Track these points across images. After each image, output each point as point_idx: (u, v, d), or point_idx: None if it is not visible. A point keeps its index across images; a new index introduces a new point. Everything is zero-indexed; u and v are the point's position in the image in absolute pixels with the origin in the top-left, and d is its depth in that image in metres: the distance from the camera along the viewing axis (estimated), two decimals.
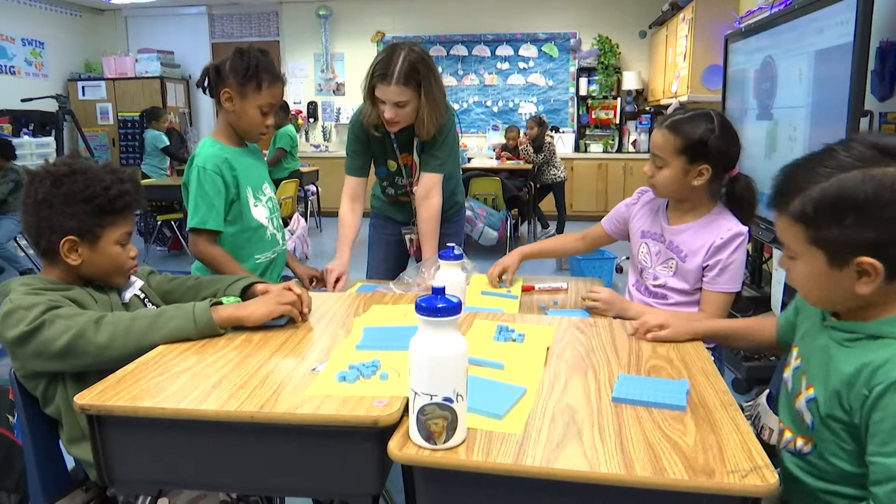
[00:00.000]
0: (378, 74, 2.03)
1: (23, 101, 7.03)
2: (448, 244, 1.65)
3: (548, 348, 1.29)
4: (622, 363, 1.23)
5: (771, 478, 0.82)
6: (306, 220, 6.81)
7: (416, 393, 0.89)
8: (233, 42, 9.15)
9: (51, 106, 7.05)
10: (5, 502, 1.77)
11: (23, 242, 5.53)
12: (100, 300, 1.37)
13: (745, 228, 1.75)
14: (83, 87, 8.60)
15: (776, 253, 3.19)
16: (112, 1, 8.34)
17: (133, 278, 1.48)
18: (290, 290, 1.41)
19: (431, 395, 0.87)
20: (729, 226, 1.75)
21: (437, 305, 0.86)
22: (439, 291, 0.87)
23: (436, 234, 2.27)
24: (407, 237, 2.45)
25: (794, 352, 1.20)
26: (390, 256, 2.50)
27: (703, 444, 0.91)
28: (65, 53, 8.57)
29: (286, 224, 6.03)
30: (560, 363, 1.22)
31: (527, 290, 1.97)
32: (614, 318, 1.78)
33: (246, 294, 1.53)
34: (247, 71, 1.80)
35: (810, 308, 1.19)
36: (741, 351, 3.39)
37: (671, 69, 7.00)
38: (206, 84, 1.86)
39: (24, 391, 1.31)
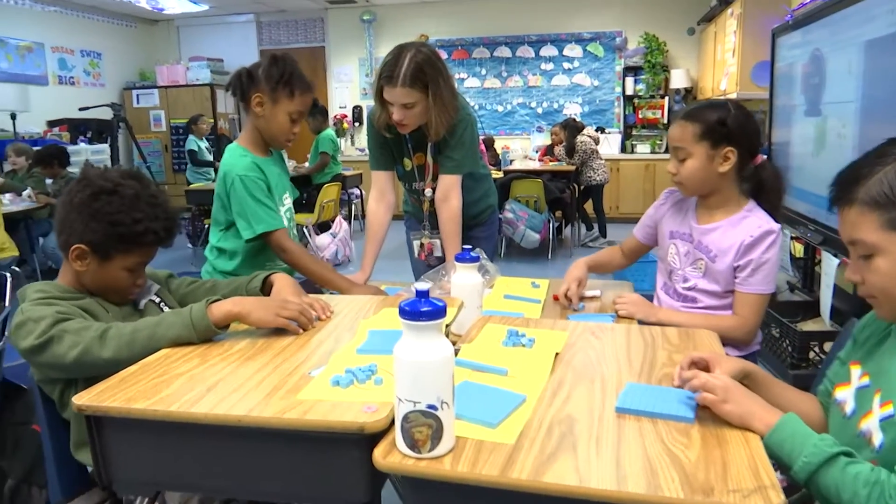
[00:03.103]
0: (385, 76, 2.01)
1: (80, 109, 7.32)
2: (466, 246, 1.62)
3: (556, 354, 1.24)
4: (634, 371, 1.17)
5: (775, 499, 0.76)
6: (349, 224, 6.87)
7: (400, 400, 0.86)
8: (280, 48, 9.32)
9: (106, 114, 7.31)
10: (37, 498, 1.82)
11: None
12: (112, 310, 1.39)
13: (777, 226, 1.67)
14: (137, 96, 8.89)
15: (825, 256, 3.04)
16: (165, 11, 8.60)
17: (149, 283, 1.49)
18: (302, 301, 1.40)
19: (415, 402, 0.84)
20: (759, 223, 1.67)
21: (421, 309, 0.83)
22: (423, 294, 0.84)
23: (457, 236, 2.23)
24: (416, 242, 2.41)
25: (856, 370, 1.11)
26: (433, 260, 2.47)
27: (707, 460, 0.85)
28: (120, 63, 8.88)
29: (329, 227, 6.09)
30: (567, 370, 1.17)
31: (557, 297, 1.91)
32: (640, 322, 1.72)
33: (265, 287, 1.54)
34: (281, 77, 1.84)
35: (868, 326, 1.12)
36: (788, 358, 3.24)
37: (720, 66, 6.79)
38: (237, 88, 1.88)
39: (44, 394, 1.35)
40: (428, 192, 2.29)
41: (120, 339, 1.21)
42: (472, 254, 1.61)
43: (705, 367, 1.09)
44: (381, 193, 2.31)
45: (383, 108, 2.11)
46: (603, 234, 6.79)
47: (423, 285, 0.84)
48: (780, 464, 0.94)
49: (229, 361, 1.17)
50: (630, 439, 0.91)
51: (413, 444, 0.85)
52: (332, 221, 6.14)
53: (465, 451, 0.87)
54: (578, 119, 7.29)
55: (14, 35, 7.28)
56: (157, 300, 1.49)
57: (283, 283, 1.50)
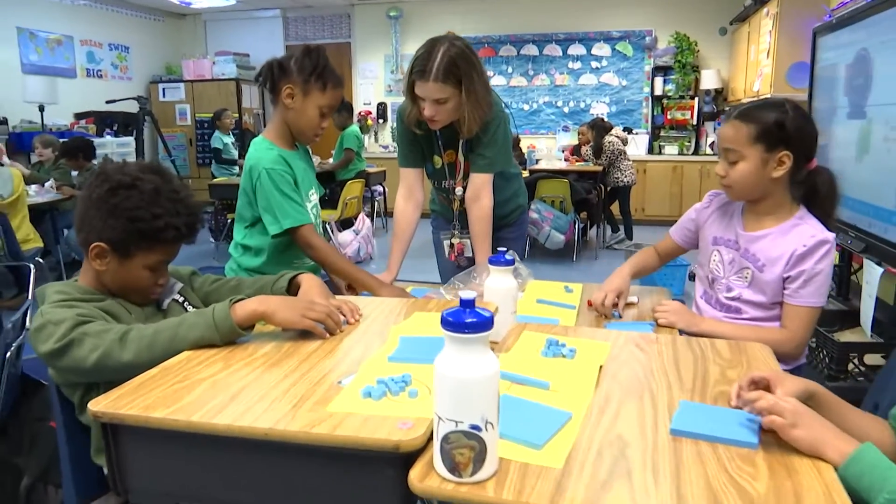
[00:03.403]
0: (417, 70, 1.94)
1: (107, 102, 7.34)
2: (500, 248, 1.54)
3: (601, 367, 1.16)
4: (685, 387, 1.09)
5: None
6: (372, 221, 6.82)
7: (440, 418, 0.78)
8: (305, 44, 9.29)
9: (133, 107, 7.33)
10: (53, 497, 1.78)
11: None
12: (134, 311, 1.34)
13: (831, 235, 1.57)
14: (164, 89, 8.92)
15: (867, 264, 2.92)
16: (192, 6, 8.61)
17: (172, 281, 1.44)
18: (329, 304, 1.33)
19: (457, 422, 0.77)
20: (813, 232, 1.57)
21: (466, 320, 0.75)
22: (468, 304, 0.77)
23: (488, 237, 2.16)
24: (445, 242, 2.34)
25: None
26: (463, 261, 2.38)
27: (777, 493, 0.77)
28: (148, 57, 8.91)
29: (351, 224, 6.05)
30: (613, 385, 1.09)
31: (592, 303, 1.83)
32: (681, 333, 1.63)
33: (291, 289, 1.48)
34: (314, 69, 1.79)
35: None
36: (825, 369, 3.12)
37: (753, 67, 6.63)
38: (268, 78, 1.83)
39: (63, 396, 1.29)
40: (458, 190, 2.21)
41: (140, 341, 1.15)
42: (507, 256, 1.53)
43: (766, 387, 1.01)
44: (409, 191, 2.24)
45: (414, 103, 2.04)
46: (629, 236, 6.66)
47: (468, 293, 0.77)
48: (855, 498, 0.85)
49: (254, 367, 1.11)
50: (690, 466, 0.83)
51: (454, 467, 0.78)
52: (355, 218, 6.09)
53: (510, 476, 0.80)
54: (606, 119, 7.15)
55: (44, 28, 7.33)
56: (181, 299, 1.43)
57: (311, 284, 1.44)
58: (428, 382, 1.01)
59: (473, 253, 2.19)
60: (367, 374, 1.05)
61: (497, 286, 1.52)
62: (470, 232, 2.18)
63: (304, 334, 1.26)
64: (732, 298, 1.70)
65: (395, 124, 2.27)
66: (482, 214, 2.13)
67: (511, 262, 1.52)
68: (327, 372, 1.08)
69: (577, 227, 5.97)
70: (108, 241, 1.27)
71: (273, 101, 1.88)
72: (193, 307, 1.44)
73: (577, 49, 8.42)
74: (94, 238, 1.28)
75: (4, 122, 6.48)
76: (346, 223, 6.12)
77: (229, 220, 6.24)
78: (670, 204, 7.83)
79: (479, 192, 2.13)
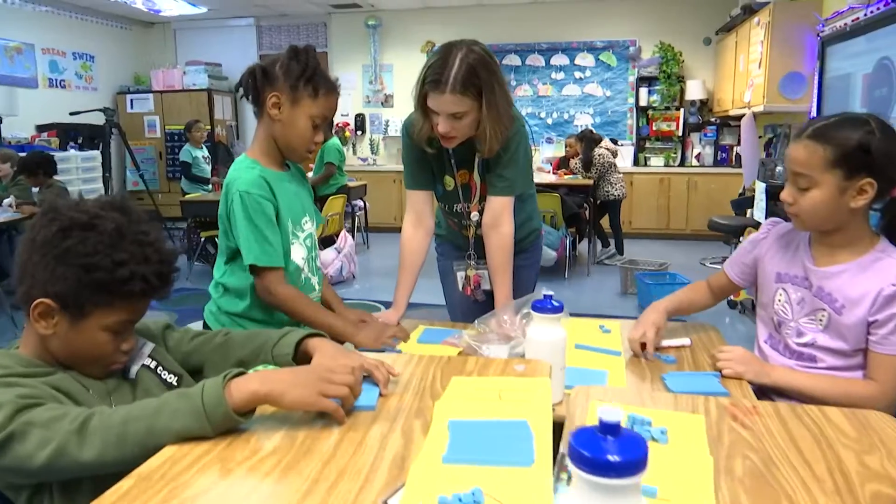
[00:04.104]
0: (430, 80, 1.67)
1: (71, 114, 6.96)
2: (546, 293, 1.28)
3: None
4: (825, 486, 0.84)
5: None
6: (353, 237, 6.54)
7: None
8: (280, 54, 8.99)
9: (99, 119, 6.97)
10: None
11: None
12: (93, 386, 1.05)
13: None
14: (132, 100, 8.53)
15: None
16: (161, 13, 8.26)
17: (142, 342, 1.15)
18: (353, 369, 1.04)
19: None
20: None
21: (610, 458, 0.50)
22: (611, 428, 0.51)
23: (509, 269, 1.91)
24: (459, 274, 2.07)
25: None
26: (480, 294, 2.09)
27: None
28: (114, 67, 8.52)
29: (332, 242, 5.75)
30: (736, 487, 0.84)
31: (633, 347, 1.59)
32: (751, 384, 1.39)
33: (297, 353, 1.20)
34: (303, 73, 1.50)
35: None
36: None
37: (742, 77, 6.51)
38: (249, 87, 1.55)
39: (3, 498, 1.00)
40: (474, 215, 1.96)
41: (107, 433, 0.87)
42: (555, 301, 1.28)
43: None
44: (418, 217, 1.97)
45: (426, 117, 1.78)
46: (620, 251, 6.47)
47: (611, 414, 0.51)
48: None
49: (261, 472, 0.83)
50: None
51: None
52: (337, 236, 5.80)
53: None
54: (595, 131, 6.97)
55: (2, 35, 6.92)
56: (153, 364, 1.14)
57: (326, 352, 1.16)
58: (504, 497, 0.75)
59: (492, 286, 1.94)
60: (420, 487, 0.78)
61: (543, 338, 1.27)
62: (488, 263, 1.92)
63: (321, 421, 0.99)
64: (805, 344, 1.47)
65: (402, 141, 1.98)
66: (502, 243, 1.88)
67: (560, 309, 1.27)
68: (363, 482, 0.81)
69: (567, 242, 5.75)
70: (55, 295, 0.99)
71: (257, 114, 1.60)
72: (170, 373, 1.16)
73: (560, 59, 8.25)
74: (38, 292, 0.99)
75: None
76: (327, 241, 5.83)
77: (202, 239, 5.91)
78: (658, 217, 7.68)
79: (498, 218, 1.88)
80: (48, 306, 0.99)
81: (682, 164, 7.95)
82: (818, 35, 5.35)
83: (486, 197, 1.91)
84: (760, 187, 4.19)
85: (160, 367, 1.15)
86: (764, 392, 1.43)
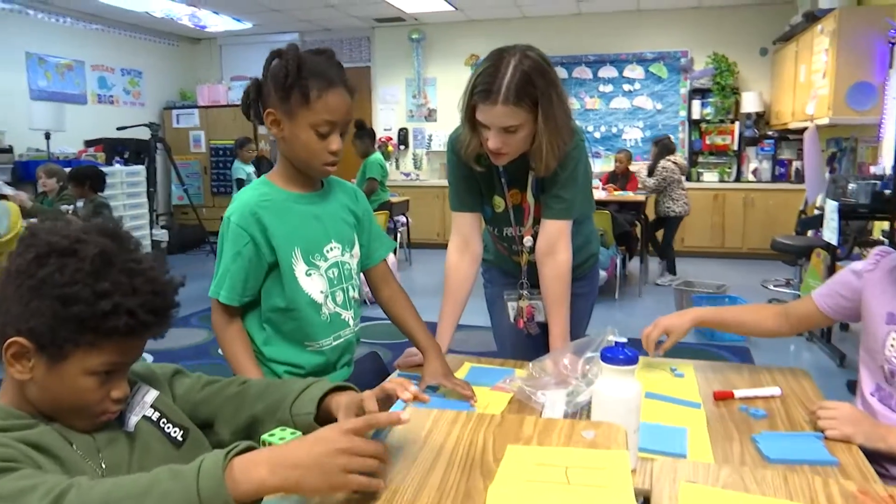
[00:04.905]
0: (480, 90, 1.49)
1: (118, 129, 7.02)
2: (617, 341, 1.08)
3: None
4: None
5: None
6: (395, 254, 6.39)
7: None
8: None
9: (145, 134, 7.01)
10: None
11: None
12: (78, 441, 0.89)
13: None
14: (177, 116, 8.61)
15: None
16: (207, 29, 8.32)
17: (144, 389, 1.00)
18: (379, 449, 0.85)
19: None
20: None
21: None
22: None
23: (566, 302, 1.71)
24: (511, 304, 1.87)
25: None
26: (533, 328, 1.89)
27: None
28: (161, 82, 8.61)
29: None
30: None
31: (722, 396, 1.38)
32: (862, 449, 1.17)
33: (320, 411, 1.02)
34: (286, 79, 1.28)
35: None
36: None
37: (803, 89, 6.18)
38: (248, 108, 1.38)
39: None
40: (527, 240, 1.77)
41: None
42: (628, 349, 1.08)
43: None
44: (464, 242, 1.79)
45: (474, 131, 1.60)
46: (671, 270, 6.18)
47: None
48: None
49: None
50: None
51: None
52: None
53: None
54: (672, 140, 6.59)
55: (54, 53, 7.04)
56: (156, 416, 0.98)
57: (350, 406, 0.98)
58: None
59: (547, 320, 1.74)
60: None
61: (616, 394, 1.07)
62: (543, 294, 1.73)
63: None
64: None
65: (447, 158, 1.79)
66: (559, 273, 1.69)
67: (634, 359, 1.07)
68: None
69: (618, 262, 5.49)
70: (30, 333, 0.84)
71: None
72: (175, 426, 0.99)
73: (608, 71, 8.01)
74: (11, 330, 0.84)
75: (10, 150, 6.16)
76: None
77: None
78: (712, 234, 7.34)
79: (554, 245, 1.68)
80: (22, 346, 0.84)
81: (737, 179, 7.60)
82: (890, 42, 5.02)
83: (540, 220, 1.72)
84: (831, 206, 3.88)
85: (164, 420, 0.99)
86: (874, 458, 1.21)
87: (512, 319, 1.85)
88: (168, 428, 0.99)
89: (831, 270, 4.12)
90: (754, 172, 7.54)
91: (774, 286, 5.58)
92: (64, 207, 5.09)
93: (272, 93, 1.31)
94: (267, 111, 1.34)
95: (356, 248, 1.50)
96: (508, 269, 1.93)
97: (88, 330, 0.84)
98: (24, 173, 6.03)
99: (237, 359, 1.36)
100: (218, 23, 7.98)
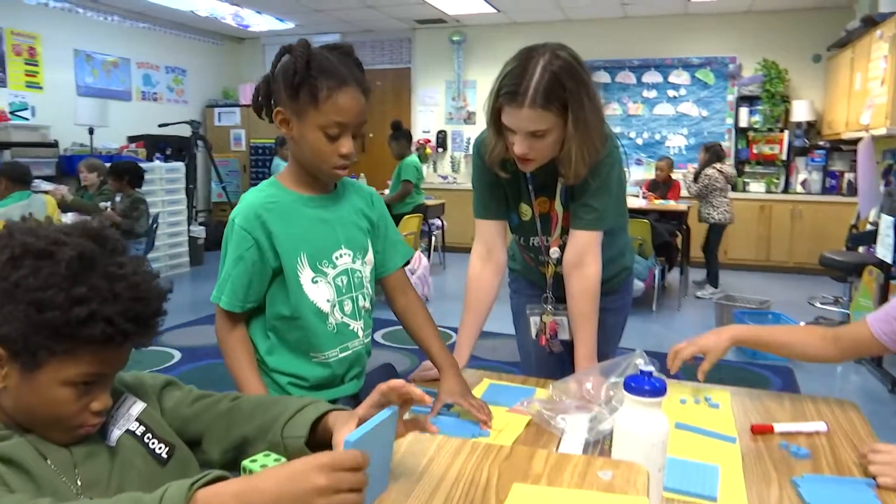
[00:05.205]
0: (506, 92, 1.40)
1: (159, 126, 7.13)
2: (642, 369, 0.98)
3: None
4: None
5: None
6: (429, 257, 6.33)
7: None
8: (364, 70, 8.97)
9: (186, 131, 7.10)
10: None
11: None
12: (54, 456, 0.83)
13: None
14: (219, 114, 8.70)
15: None
16: (250, 29, 8.40)
17: (131, 401, 0.93)
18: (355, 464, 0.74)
19: None
20: None
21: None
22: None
23: (593, 319, 1.60)
24: (533, 318, 1.77)
25: None
26: (556, 345, 1.79)
27: None
28: (204, 81, 8.72)
29: (406, 263, 5.54)
30: None
31: (761, 430, 1.26)
32: None
33: (315, 433, 0.95)
34: (294, 76, 1.21)
35: None
36: None
37: (858, 97, 5.91)
38: (258, 106, 1.32)
39: None
40: (554, 251, 1.67)
41: None
42: (655, 378, 0.97)
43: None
44: (487, 250, 1.70)
45: (499, 135, 1.51)
46: (714, 282, 5.97)
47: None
48: None
49: None
50: None
51: None
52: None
53: None
54: (724, 147, 6.37)
55: (101, 50, 7.17)
56: (140, 430, 0.92)
57: (345, 431, 0.90)
58: None
59: (572, 337, 1.63)
60: None
61: (638, 430, 0.96)
62: (569, 310, 1.62)
63: None
64: None
65: (472, 161, 1.70)
66: (587, 287, 1.58)
67: (662, 390, 0.97)
68: None
69: (657, 273, 5.32)
70: (2, 339, 0.78)
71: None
72: (160, 442, 0.93)
73: (652, 76, 7.81)
74: None
75: (55, 144, 6.29)
76: None
77: None
78: (757, 247, 7.08)
79: (582, 256, 1.58)
80: None
81: (785, 190, 7.32)
82: None
83: (568, 230, 1.62)
84: (887, 221, 3.67)
85: (148, 435, 0.93)
86: None
87: (534, 335, 1.75)
88: (153, 444, 0.93)
89: (884, 290, 3.89)
90: (803, 184, 7.25)
91: (822, 304, 5.34)
92: (102, 204, 5.17)
93: (281, 90, 1.24)
94: (276, 110, 1.27)
95: (369, 255, 1.42)
96: (535, 279, 1.83)
97: (64, 338, 0.79)
98: (67, 167, 6.15)
99: (238, 369, 1.30)
100: (261, 22, 8.05)
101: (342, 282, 1.35)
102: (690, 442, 1.21)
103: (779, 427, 1.27)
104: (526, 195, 1.65)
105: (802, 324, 4.55)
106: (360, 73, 1.29)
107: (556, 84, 1.38)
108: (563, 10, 7.45)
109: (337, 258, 1.34)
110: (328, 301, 1.33)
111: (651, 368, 0.98)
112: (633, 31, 7.77)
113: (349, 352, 1.38)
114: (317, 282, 1.31)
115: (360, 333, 1.39)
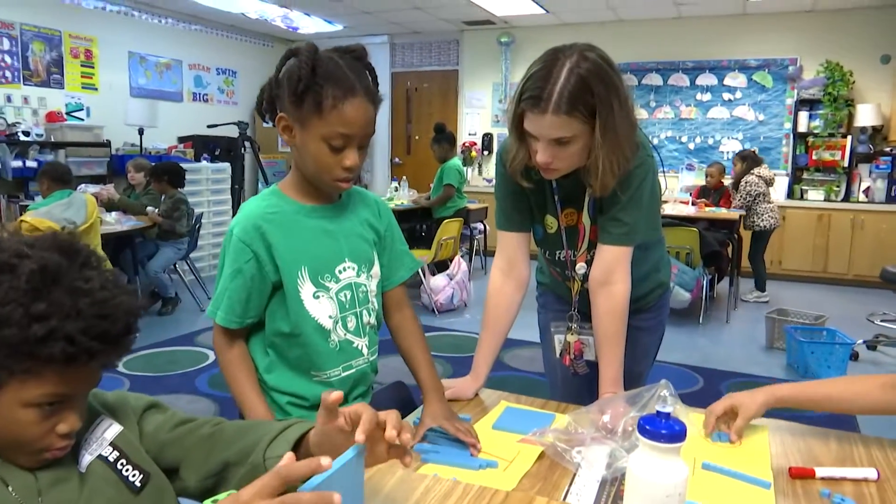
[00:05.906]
0: (529, 97, 1.30)
1: (208, 126, 7.23)
2: (661, 410, 0.87)
3: None
4: None
5: None
6: (470, 261, 6.25)
7: None
8: (411, 71, 8.96)
9: (235, 132, 7.19)
10: None
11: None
12: (16, 482, 0.79)
13: None
14: None
15: None
16: (300, 31, 8.47)
17: (106, 423, 0.88)
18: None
19: None
20: None
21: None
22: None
23: (620, 341, 1.49)
24: (558, 337, 1.67)
25: None
26: (580, 367, 1.69)
27: None
28: (255, 82, 8.78)
29: (446, 267, 5.47)
30: None
31: (800, 474, 1.13)
32: None
33: (299, 448, 0.89)
34: (298, 82, 1.13)
35: None
36: None
37: None
38: (263, 108, 1.25)
39: None
40: (580, 267, 1.56)
41: None
42: (673, 421, 0.87)
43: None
44: (509, 264, 1.61)
45: (522, 142, 1.42)
46: (761, 287, 5.71)
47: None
48: None
49: None
50: None
51: None
52: (451, 261, 5.52)
53: None
54: (759, 154, 6.23)
55: (154, 52, 7.33)
56: (114, 456, 0.87)
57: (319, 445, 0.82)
58: None
59: (597, 360, 1.53)
60: None
61: (651, 477, 0.86)
62: (594, 330, 1.52)
63: None
64: None
65: (496, 170, 1.61)
66: (614, 307, 1.47)
67: (681, 435, 0.86)
68: None
69: (705, 283, 5.11)
70: None
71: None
72: (135, 469, 0.87)
73: (706, 79, 7.54)
74: None
75: (107, 144, 6.45)
76: (440, 265, 5.57)
77: None
78: (813, 258, 6.76)
79: (610, 273, 1.47)
80: None
81: (846, 198, 6.96)
82: None
83: (596, 244, 1.52)
84: None
85: (122, 461, 0.87)
86: None
87: (557, 354, 1.65)
88: (126, 470, 0.87)
89: None
90: (866, 192, 6.89)
91: (882, 321, 5.03)
92: (149, 208, 5.25)
93: (284, 96, 1.18)
94: (279, 116, 1.21)
95: (375, 268, 1.35)
96: (563, 294, 1.73)
97: (23, 356, 0.74)
98: (119, 167, 6.30)
99: (238, 388, 1.24)
100: (310, 24, 8.10)
101: (345, 297, 1.28)
102: (717, 485, 1.09)
103: (821, 471, 1.14)
104: (552, 206, 1.56)
105: (860, 342, 4.29)
106: (369, 80, 1.22)
107: (583, 88, 1.28)
108: (613, 10, 7.26)
109: (340, 272, 1.28)
110: (330, 317, 1.26)
111: (670, 409, 0.88)
112: (688, 32, 7.52)
113: (353, 370, 1.31)
114: (318, 297, 1.24)
115: (365, 351, 1.32)
